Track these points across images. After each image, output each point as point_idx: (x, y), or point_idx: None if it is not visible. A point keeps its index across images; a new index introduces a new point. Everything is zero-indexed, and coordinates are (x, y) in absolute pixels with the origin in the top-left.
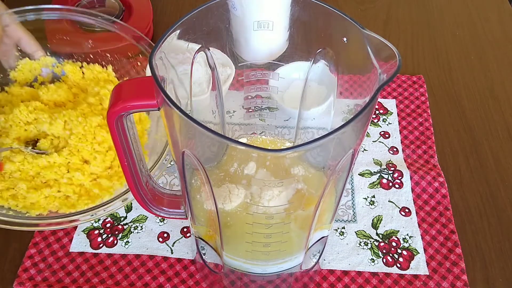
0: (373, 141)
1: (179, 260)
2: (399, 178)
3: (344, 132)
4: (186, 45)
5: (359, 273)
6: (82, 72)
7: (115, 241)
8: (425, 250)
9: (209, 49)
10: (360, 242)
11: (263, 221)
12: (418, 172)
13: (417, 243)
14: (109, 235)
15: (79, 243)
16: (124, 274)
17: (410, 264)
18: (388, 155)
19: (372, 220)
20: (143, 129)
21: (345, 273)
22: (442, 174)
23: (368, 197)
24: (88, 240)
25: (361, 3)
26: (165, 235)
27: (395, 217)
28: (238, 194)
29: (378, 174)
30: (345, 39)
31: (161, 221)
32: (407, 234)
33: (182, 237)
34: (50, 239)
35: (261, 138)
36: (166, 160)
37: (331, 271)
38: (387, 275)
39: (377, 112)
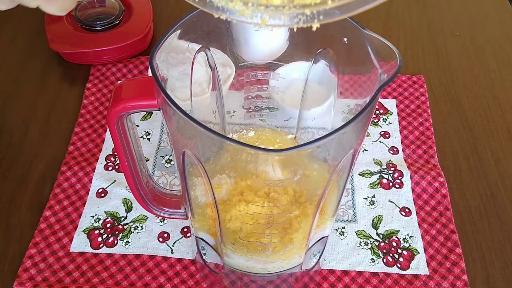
0: (373, 141)
1: (179, 260)
2: (399, 178)
3: (345, 132)
4: (187, 45)
5: (360, 273)
6: None
7: (115, 241)
8: (425, 250)
9: (209, 49)
10: (360, 242)
11: (264, 221)
12: (418, 172)
13: (417, 243)
14: (109, 235)
15: (79, 243)
16: (124, 274)
17: (411, 264)
18: (388, 155)
19: (372, 220)
20: None
21: (346, 273)
22: (442, 174)
23: (368, 197)
24: (88, 240)
25: None
26: (166, 235)
27: (395, 217)
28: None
29: (378, 174)
30: (345, 39)
31: (161, 221)
32: (407, 234)
33: (182, 237)
34: (50, 239)
35: (267, 130)
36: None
37: (331, 271)
38: (388, 275)
39: (377, 112)
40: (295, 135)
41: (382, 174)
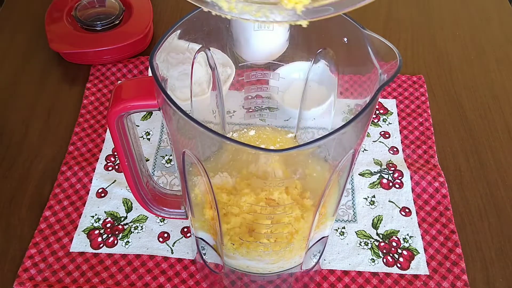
0: (373, 141)
1: (179, 260)
2: (399, 178)
3: (345, 132)
4: (187, 45)
5: (360, 273)
6: None
7: (116, 241)
8: (425, 250)
9: (209, 49)
10: (360, 242)
11: (264, 221)
12: (418, 172)
13: (417, 243)
14: (109, 235)
15: (79, 243)
16: (124, 274)
17: (411, 264)
18: (388, 155)
19: (372, 220)
20: None
21: (346, 273)
22: (442, 174)
23: (368, 197)
24: (88, 240)
25: None
26: (166, 235)
27: (395, 217)
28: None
29: (378, 174)
30: (345, 39)
31: (161, 221)
32: (407, 234)
33: (182, 237)
34: (50, 239)
35: (267, 128)
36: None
37: (332, 271)
38: (388, 275)
39: (377, 112)
40: (295, 135)
41: (382, 174)
